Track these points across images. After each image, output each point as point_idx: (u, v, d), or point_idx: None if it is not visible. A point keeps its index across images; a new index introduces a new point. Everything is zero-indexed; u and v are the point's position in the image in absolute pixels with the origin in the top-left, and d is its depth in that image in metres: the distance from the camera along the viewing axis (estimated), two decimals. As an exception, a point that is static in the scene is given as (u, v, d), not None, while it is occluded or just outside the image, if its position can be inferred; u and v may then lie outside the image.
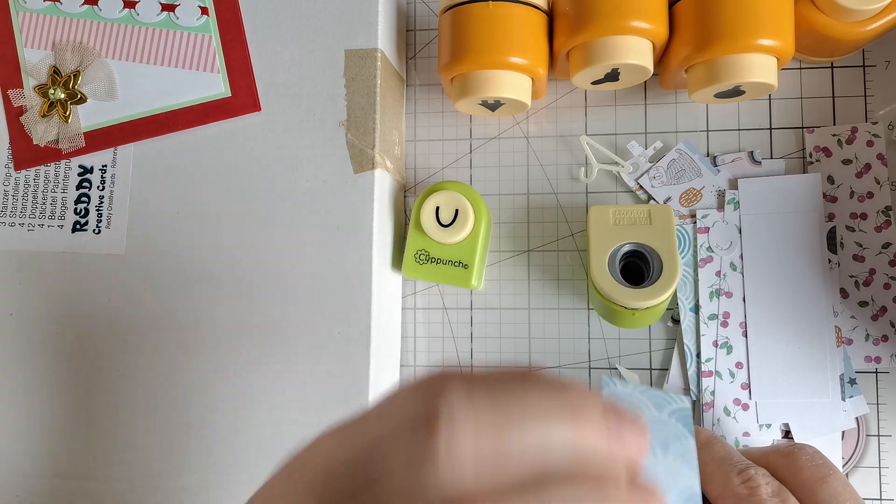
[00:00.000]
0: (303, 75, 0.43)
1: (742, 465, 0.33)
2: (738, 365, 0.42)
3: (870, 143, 0.42)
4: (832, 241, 0.42)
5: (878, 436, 0.42)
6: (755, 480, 0.32)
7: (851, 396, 0.41)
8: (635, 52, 0.39)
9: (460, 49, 0.40)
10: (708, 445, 0.35)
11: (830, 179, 0.43)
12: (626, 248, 0.40)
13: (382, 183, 0.43)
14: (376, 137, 0.42)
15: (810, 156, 0.43)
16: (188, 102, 0.44)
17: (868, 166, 0.42)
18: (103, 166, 0.44)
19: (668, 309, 0.43)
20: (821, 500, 0.32)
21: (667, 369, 0.43)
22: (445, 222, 0.42)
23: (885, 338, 0.42)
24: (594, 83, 0.42)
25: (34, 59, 0.44)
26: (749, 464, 0.34)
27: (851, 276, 0.42)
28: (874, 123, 0.43)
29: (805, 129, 0.44)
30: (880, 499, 0.41)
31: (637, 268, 0.40)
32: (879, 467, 0.42)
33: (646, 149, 0.44)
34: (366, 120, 0.42)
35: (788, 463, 0.34)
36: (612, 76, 0.41)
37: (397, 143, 0.45)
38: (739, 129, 0.44)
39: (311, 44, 0.43)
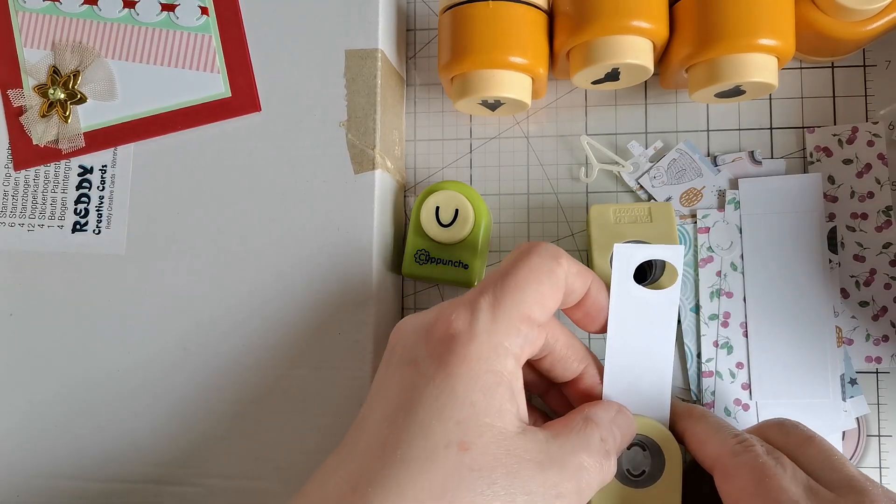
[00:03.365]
0: (303, 75, 0.43)
1: (736, 431, 0.35)
2: (739, 365, 0.42)
3: (870, 143, 0.42)
4: (833, 241, 0.42)
5: (879, 436, 0.42)
6: (750, 441, 0.33)
7: (852, 397, 0.41)
8: (636, 51, 0.39)
9: (460, 49, 0.40)
10: (703, 417, 0.36)
11: (831, 179, 0.43)
12: None
13: (383, 183, 0.42)
14: (377, 138, 0.42)
15: (811, 155, 0.43)
16: (188, 102, 0.44)
17: (869, 166, 0.42)
18: (103, 166, 0.44)
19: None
20: (810, 456, 0.33)
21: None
22: (445, 222, 0.42)
23: (885, 338, 0.42)
24: (594, 83, 0.42)
25: (34, 58, 0.44)
26: (742, 431, 0.35)
27: (852, 276, 0.42)
28: (875, 123, 0.43)
29: (806, 129, 0.43)
30: (881, 499, 0.41)
31: (639, 266, 0.40)
32: (880, 467, 0.42)
33: (646, 148, 0.44)
34: (366, 120, 0.42)
35: (776, 431, 0.35)
36: (613, 76, 0.41)
37: (397, 143, 0.45)
38: (740, 129, 0.44)
39: (312, 44, 0.43)
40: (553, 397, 0.40)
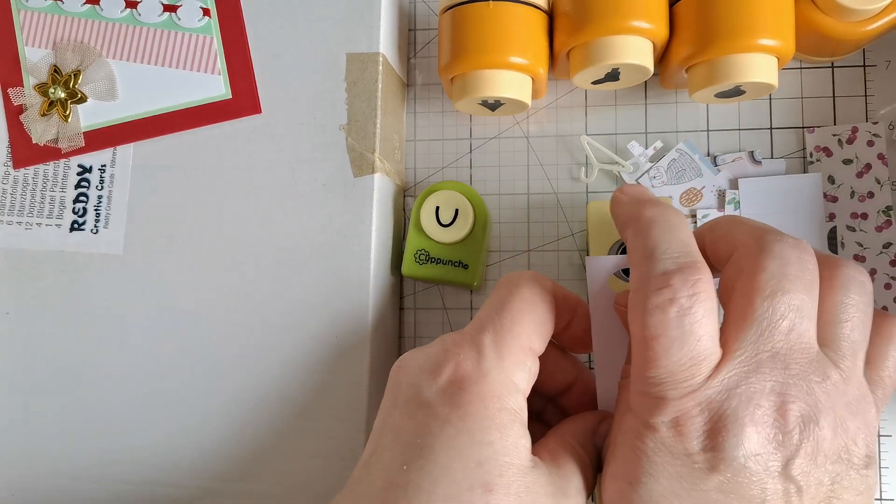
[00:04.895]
0: (304, 78, 0.43)
1: (673, 263, 0.30)
2: (740, 365, 0.42)
3: (870, 143, 0.42)
4: (833, 241, 0.42)
5: (879, 436, 0.41)
6: (674, 291, 0.29)
7: (854, 397, 0.41)
8: (635, 51, 0.39)
9: (460, 49, 0.40)
10: (651, 223, 0.32)
11: (831, 179, 0.43)
12: None
13: (382, 187, 0.42)
14: (377, 141, 0.42)
15: (811, 155, 0.43)
16: (188, 103, 0.44)
17: (868, 166, 0.42)
18: (102, 166, 0.44)
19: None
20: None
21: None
22: (445, 222, 0.42)
23: (886, 338, 0.41)
24: (594, 83, 0.42)
25: (35, 57, 0.44)
26: (688, 263, 0.30)
27: (853, 276, 0.42)
28: (875, 123, 0.43)
29: (805, 129, 0.44)
30: (881, 499, 0.41)
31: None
32: (879, 467, 0.41)
33: (646, 149, 0.44)
34: (366, 124, 0.42)
35: (747, 274, 0.30)
36: (613, 76, 0.41)
37: (397, 146, 0.45)
38: (740, 129, 0.44)
39: (313, 47, 0.43)
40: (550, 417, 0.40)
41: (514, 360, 0.32)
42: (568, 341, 0.37)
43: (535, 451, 0.33)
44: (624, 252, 0.40)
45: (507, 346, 0.32)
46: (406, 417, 0.32)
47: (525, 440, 0.31)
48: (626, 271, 0.39)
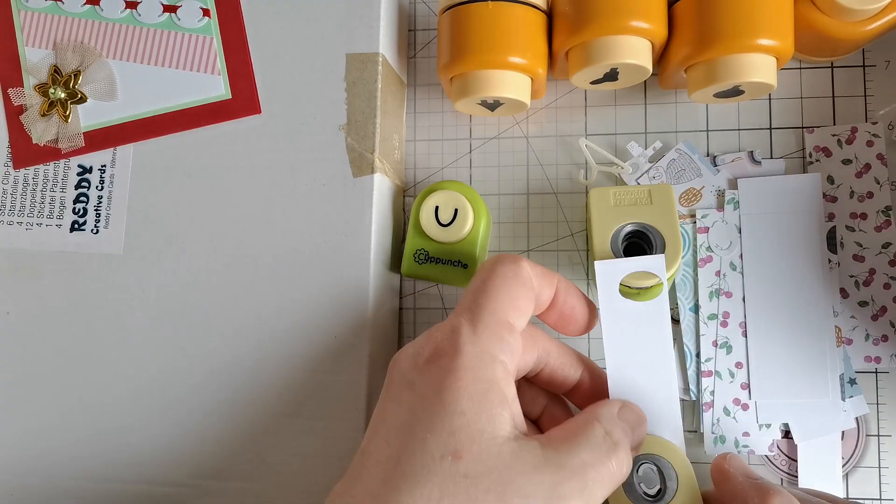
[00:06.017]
0: (303, 78, 0.43)
1: (771, 489, 0.34)
2: (738, 365, 0.42)
3: (870, 143, 0.42)
4: (832, 241, 0.42)
5: (878, 436, 0.42)
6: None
7: (851, 396, 0.41)
8: (634, 51, 0.39)
9: (459, 49, 0.40)
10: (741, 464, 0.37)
11: (830, 179, 0.43)
12: (629, 229, 0.39)
13: (381, 187, 0.42)
14: (376, 142, 0.42)
15: (810, 156, 0.43)
16: (188, 104, 0.44)
17: (868, 166, 0.42)
18: (102, 166, 0.44)
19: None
20: None
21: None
22: (445, 222, 0.42)
23: (884, 338, 0.42)
24: (593, 83, 0.42)
25: (35, 57, 0.44)
26: (778, 490, 0.34)
27: (851, 276, 0.42)
28: (874, 123, 0.43)
29: (805, 129, 0.44)
30: (880, 499, 0.41)
31: (640, 248, 0.40)
32: (879, 467, 0.41)
33: (645, 149, 0.44)
34: (366, 124, 0.42)
35: None
36: (612, 76, 0.41)
37: (397, 147, 0.45)
38: (739, 129, 0.44)
39: (313, 47, 0.43)
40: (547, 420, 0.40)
41: (489, 334, 0.33)
42: (556, 321, 0.38)
43: (548, 431, 0.33)
44: (626, 241, 0.40)
45: (483, 322, 0.33)
46: (395, 402, 0.33)
47: (503, 409, 0.32)
48: (643, 246, 0.40)
